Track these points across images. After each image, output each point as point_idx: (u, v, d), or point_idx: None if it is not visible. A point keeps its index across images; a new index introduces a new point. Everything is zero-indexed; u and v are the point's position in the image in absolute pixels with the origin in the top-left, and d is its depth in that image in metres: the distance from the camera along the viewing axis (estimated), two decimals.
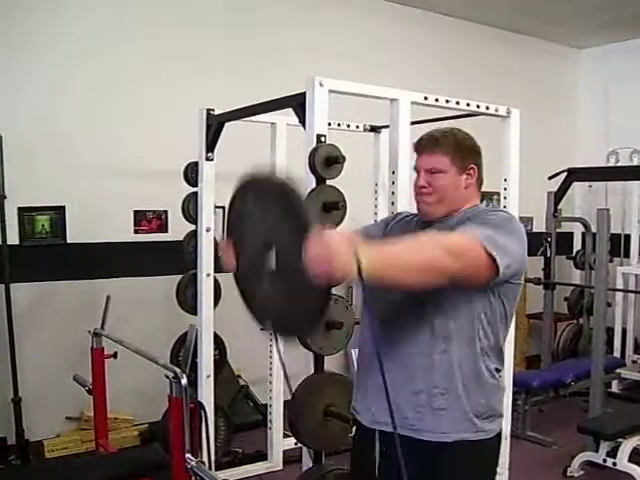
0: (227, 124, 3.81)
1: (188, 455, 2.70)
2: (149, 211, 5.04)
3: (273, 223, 1.69)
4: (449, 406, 1.99)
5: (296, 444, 3.80)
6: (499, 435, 2.12)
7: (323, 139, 2.85)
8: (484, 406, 2.03)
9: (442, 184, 2.08)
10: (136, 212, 5.00)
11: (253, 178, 1.79)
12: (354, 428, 2.34)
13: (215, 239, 3.99)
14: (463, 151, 2.11)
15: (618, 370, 5.88)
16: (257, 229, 1.76)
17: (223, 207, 4.96)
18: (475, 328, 1.99)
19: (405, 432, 1.98)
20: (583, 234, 6.80)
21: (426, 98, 3.17)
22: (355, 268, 1.53)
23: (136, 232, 5.01)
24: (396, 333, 2.04)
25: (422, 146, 2.14)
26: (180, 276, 4.31)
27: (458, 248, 1.78)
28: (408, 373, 2.01)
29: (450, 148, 2.09)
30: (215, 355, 4.10)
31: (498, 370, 2.09)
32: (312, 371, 2.95)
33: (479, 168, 2.15)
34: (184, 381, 2.75)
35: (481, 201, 2.20)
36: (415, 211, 2.23)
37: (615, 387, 6.12)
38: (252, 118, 3.86)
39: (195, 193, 4.07)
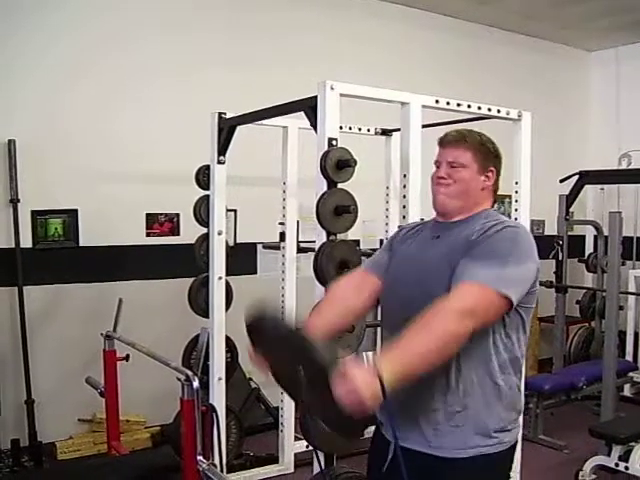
0: (239, 127, 3.83)
1: (199, 457, 2.71)
2: (161, 214, 5.06)
3: (294, 363, 1.74)
4: (466, 423, 1.97)
5: (307, 447, 3.81)
6: (515, 443, 2.11)
7: (334, 142, 2.86)
8: (503, 420, 2.02)
9: (462, 176, 2.09)
10: (148, 215, 5.02)
11: (260, 325, 1.84)
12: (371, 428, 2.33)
13: (227, 242, 4.01)
14: (486, 152, 2.13)
15: (630, 374, 5.85)
16: (281, 358, 1.82)
17: (235, 210, 5.00)
18: (491, 343, 1.97)
19: (424, 449, 1.98)
20: (595, 237, 6.78)
21: (437, 101, 3.17)
22: (380, 393, 1.63)
23: (148, 235, 5.03)
24: None
25: (448, 140, 2.15)
26: (192, 279, 4.32)
27: (472, 307, 1.81)
28: (426, 392, 2.00)
29: (475, 145, 2.11)
30: (227, 358, 4.11)
31: (517, 382, 2.07)
32: None
33: (497, 173, 2.17)
34: (196, 384, 2.77)
35: (492, 205, 2.20)
36: (420, 219, 2.25)
37: (627, 391, 6.08)
38: (264, 122, 3.88)
39: (207, 196, 4.08)
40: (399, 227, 2.44)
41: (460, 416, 1.97)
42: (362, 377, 1.61)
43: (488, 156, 2.13)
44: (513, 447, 2.10)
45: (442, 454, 1.99)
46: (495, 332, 1.97)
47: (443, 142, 2.16)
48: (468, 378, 1.97)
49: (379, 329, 2.29)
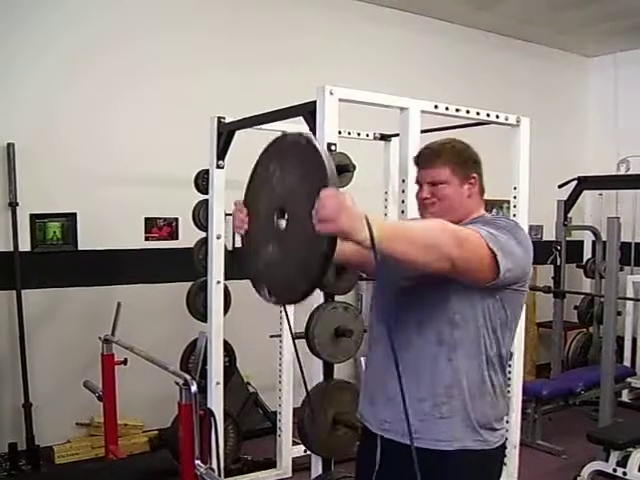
0: (238, 132, 3.83)
1: (197, 462, 2.70)
2: (160, 218, 5.07)
3: (291, 182, 1.68)
4: (453, 415, 1.99)
5: (305, 451, 3.81)
6: (501, 448, 2.11)
7: (333, 147, 2.86)
8: (488, 416, 2.03)
9: (445, 194, 2.09)
10: (147, 219, 5.02)
11: (281, 137, 1.79)
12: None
13: (225, 246, 4.01)
14: (463, 161, 2.12)
15: (628, 379, 5.85)
16: (274, 192, 1.75)
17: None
18: (480, 336, 1.99)
19: (407, 439, 1.97)
20: (593, 242, 6.79)
21: (436, 107, 3.17)
22: (365, 230, 1.56)
23: (147, 239, 5.04)
24: (403, 340, 2.04)
25: (422, 160, 2.15)
26: (190, 283, 4.32)
27: (464, 237, 1.81)
28: (413, 380, 2.01)
29: (450, 159, 2.10)
30: (225, 362, 4.10)
31: (503, 381, 2.09)
32: (321, 379, 2.95)
33: (480, 177, 2.16)
34: (194, 388, 2.76)
35: (490, 210, 2.21)
36: None
37: (625, 396, 6.08)
38: (263, 126, 3.88)
39: (206, 201, 4.08)
40: None
41: (446, 407, 1.99)
42: (352, 201, 1.56)
43: (467, 165, 2.12)
44: (499, 450, 2.10)
45: (426, 445, 1.99)
46: (483, 326, 1.99)
47: (418, 162, 2.17)
48: (456, 369, 1.98)
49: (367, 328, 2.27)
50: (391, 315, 2.07)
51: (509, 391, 3.25)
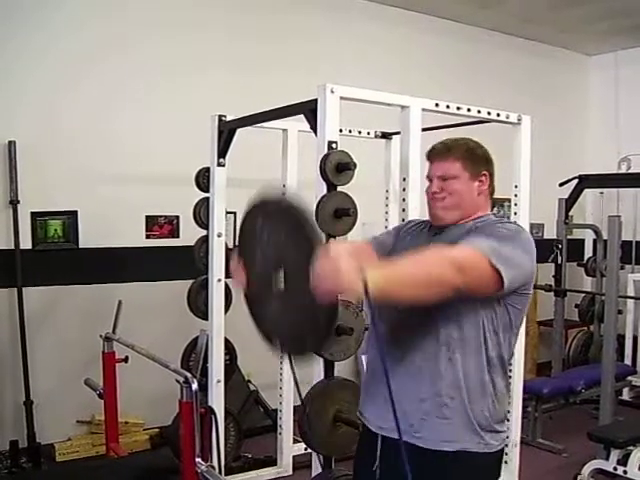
0: (239, 130, 3.83)
1: (198, 459, 2.71)
2: (161, 216, 5.06)
3: (282, 243, 1.73)
4: (454, 415, 1.99)
5: (306, 449, 3.81)
6: (500, 451, 2.11)
7: (334, 145, 2.86)
8: (488, 418, 2.02)
9: (455, 188, 2.10)
10: (148, 217, 5.02)
11: (262, 199, 1.83)
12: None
13: (226, 244, 4.01)
14: (474, 158, 2.13)
15: (629, 378, 5.86)
16: (266, 249, 1.80)
17: (234, 213, 4.99)
18: (481, 337, 1.99)
19: (408, 439, 1.95)
20: (594, 241, 6.79)
21: (437, 105, 3.18)
22: (361, 286, 1.56)
23: (148, 237, 5.03)
24: (404, 340, 2.04)
25: (434, 154, 2.16)
26: (191, 281, 4.32)
27: (464, 262, 1.80)
28: (415, 380, 2.02)
29: (462, 154, 2.11)
30: (226, 360, 4.11)
31: (504, 385, 2.09)
32: (322, 377, 2.95)
33: (491, 176, 2.17)
34: (195, 386, 2.77)
35: (492, 208, 2.21)
36: (425, 218, 2.25)
37: (626, 395, 6.08)
38: (264, 124, 3.88)
39: (207, 199, 4.09)
40: (409, 221, 2.42)
41: (448, 409, 1.98)
42: (346, 259, 1.55)
43: (478, 162, 2.13)
44: (499, 455, 2.10)
45: (426, 445, 2.00)
46: (485, 328, 1.99)
47: (430, 156, 2.18)
48: (458, 369, 1.98)
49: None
50: (393, 316, 2.06)
51: (510, 390, 3.25)
